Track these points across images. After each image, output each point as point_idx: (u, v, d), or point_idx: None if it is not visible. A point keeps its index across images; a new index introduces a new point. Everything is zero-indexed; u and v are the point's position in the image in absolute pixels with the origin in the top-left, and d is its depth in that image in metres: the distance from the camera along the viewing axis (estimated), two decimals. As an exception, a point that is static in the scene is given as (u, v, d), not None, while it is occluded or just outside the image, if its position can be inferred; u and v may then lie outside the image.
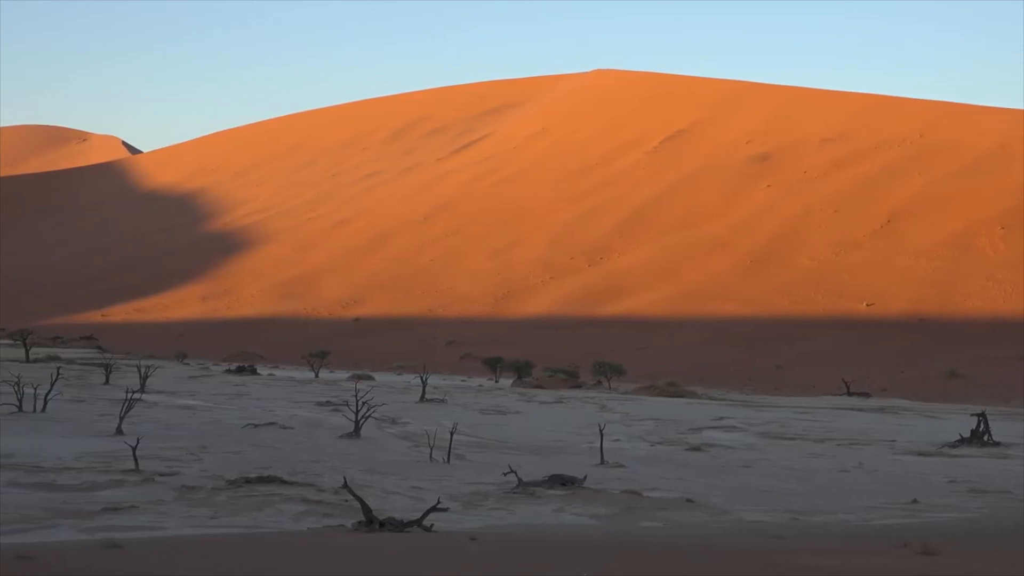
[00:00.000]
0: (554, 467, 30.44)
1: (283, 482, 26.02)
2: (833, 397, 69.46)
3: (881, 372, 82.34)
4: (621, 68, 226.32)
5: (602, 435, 35.16)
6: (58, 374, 51.52)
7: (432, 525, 19.10)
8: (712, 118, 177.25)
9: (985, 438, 40.41)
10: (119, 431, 35.43)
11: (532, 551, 16.72)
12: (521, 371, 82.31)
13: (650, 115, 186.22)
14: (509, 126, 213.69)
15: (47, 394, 44.01)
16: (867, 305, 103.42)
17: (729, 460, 36.39)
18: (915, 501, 26.84)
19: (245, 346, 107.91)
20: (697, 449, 39.07)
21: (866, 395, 70.21)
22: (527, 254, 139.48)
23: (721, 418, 51.32)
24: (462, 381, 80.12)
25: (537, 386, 74.57)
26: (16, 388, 43.55)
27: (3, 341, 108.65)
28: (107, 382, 60.44)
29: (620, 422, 48.06)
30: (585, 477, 27.90)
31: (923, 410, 60.20)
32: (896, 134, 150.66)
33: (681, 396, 68.15)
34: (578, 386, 76.12)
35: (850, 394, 70.31)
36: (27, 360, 75.76)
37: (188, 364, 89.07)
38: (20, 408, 41.94)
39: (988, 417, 41.64)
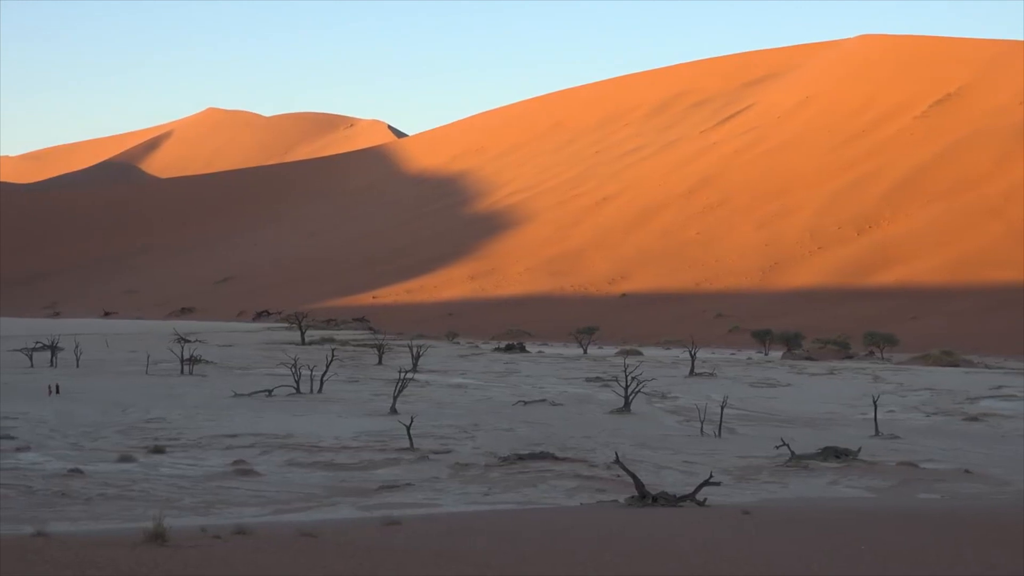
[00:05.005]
0: (827, 439, 30.07)
1: (555, 458, 26.18)
2: (1119, 363, 67.15)
3: None
4: (886, 32, 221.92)
5: (876, 406, 34.59)
6: (332, 356, 52.73)
7: (705, 499, 19.01)
8: (982, 80, 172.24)
9: None
10: (393, 410, 36.14)
11: (807, 525, 16.51)
12: (791, 343, 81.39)
13: (917, 79, 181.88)
14: (773, 96, 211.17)
15: (323, 375, 45.17)
16: None
17: (1009, 430, 35.44)
18: None
19: (513, 324, 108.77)
20: (975, 419, 38.15)
21: None
22: (794, 225, 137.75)
23: (999, 387, 50.01)
24: (731, 354, 79.60)
25: (807, 358, 73.71)
26: (294, 370, 44.78)
27: (280, 324, 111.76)
28: (380, 362, 61.68)
29: (894, 393, 47.24)
30: (859, 449, 27.48)
31: None
32: None
33: (957, 365, 66.63)
34: (849, 357, 74.98)
35: None
36: (303, 343, 77.78)
37: (458, 343, 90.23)
38: (298, 390, 43.11)
39: None
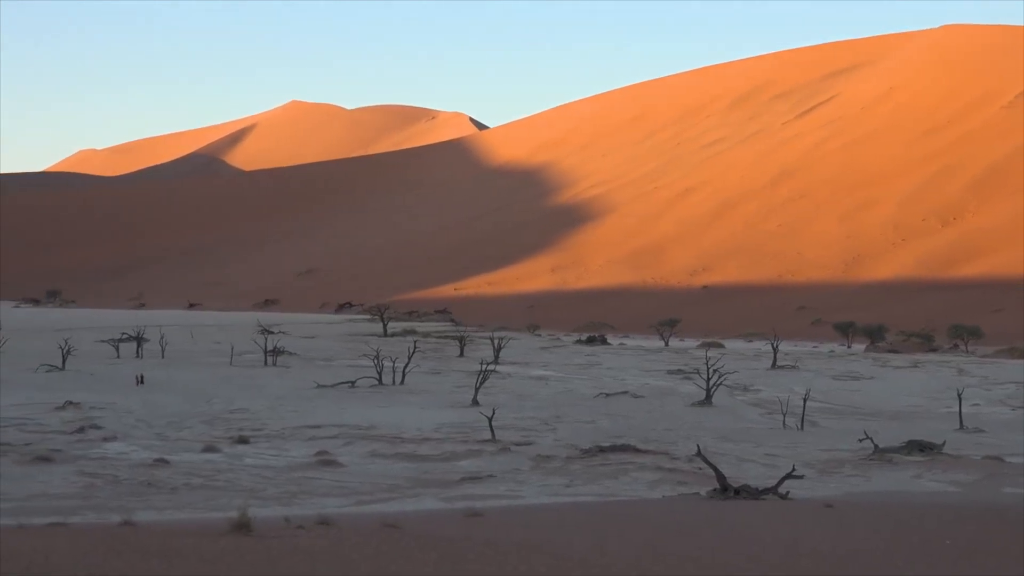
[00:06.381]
0: (911, 433, 29.86)
1: (636, 450, 26.20)
2: None
3: None
4: (970, 22, 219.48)
5: (960, 399, 34.31)
6: (414, 347, 52.90)
7: (787, 492, 18.96)
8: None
9: None
10: (475, 402, 36.24)
11: (890, 519, 16.42)
12: (874, 336, 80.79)
13: (1004, 69, 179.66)
14: (856, 87, 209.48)
15: (405, 367, 45.36)
16: None
17: (1097, 424, 35.05)
18: None
19: (594, 316, 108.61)
20: (1062, 413, 37.78)
21: None
22: (877, 217, 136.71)
23: (1087, 381, 49.44)
24: (813, 347, 79.14)
25: (891, 350, 73.19)
26: (376, 362, 44.98)
27: (362, 316, 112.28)
28: (461, 354, 61.79)
29: (979, 386, 46.83)
30: (944, 443, 27.27)
31: None
32: None
33: (1043, 358, 65.95)
34: (933, 350, 74.37)
35: None
36: (385, 334, 78.10)
37: (539, 335, 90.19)
38: (380, 381, 43.31)
39: None
